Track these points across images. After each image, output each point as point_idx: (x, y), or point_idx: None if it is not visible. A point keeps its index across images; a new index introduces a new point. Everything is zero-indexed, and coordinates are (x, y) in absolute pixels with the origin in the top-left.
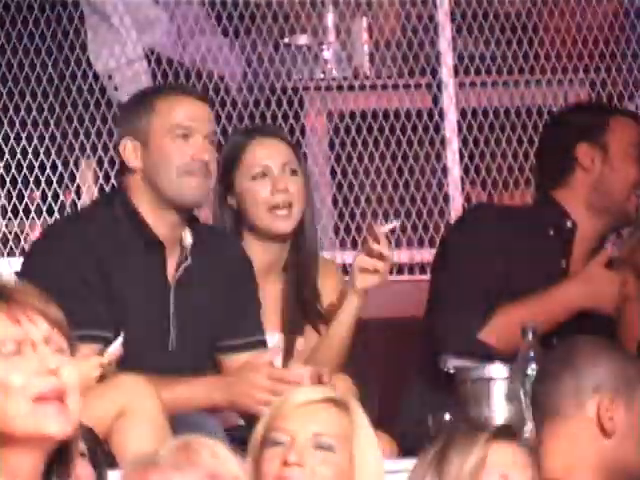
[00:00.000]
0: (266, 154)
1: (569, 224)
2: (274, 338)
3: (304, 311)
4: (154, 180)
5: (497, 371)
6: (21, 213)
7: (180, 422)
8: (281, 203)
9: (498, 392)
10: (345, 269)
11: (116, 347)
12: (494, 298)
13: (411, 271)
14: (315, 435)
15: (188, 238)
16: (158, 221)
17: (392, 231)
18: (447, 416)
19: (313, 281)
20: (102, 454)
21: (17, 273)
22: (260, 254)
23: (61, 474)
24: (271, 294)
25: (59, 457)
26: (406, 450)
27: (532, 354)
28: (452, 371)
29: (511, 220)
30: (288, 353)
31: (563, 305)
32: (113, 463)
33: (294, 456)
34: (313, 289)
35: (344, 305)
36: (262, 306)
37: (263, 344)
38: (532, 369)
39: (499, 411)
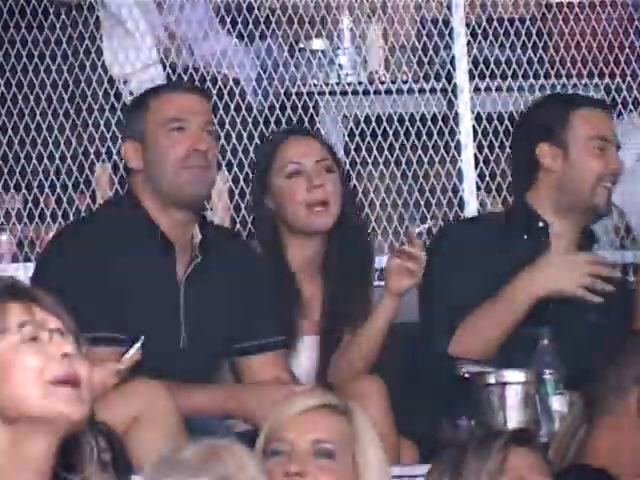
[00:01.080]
0: (300, 152)
1: (540, 224)
2: (312, 340)
3: (344, 311)
4: (154, 178)
5: (512, 376)
6: (37, 218)
7: (191, 426)
8: (317, 200)
9: (513, 397)
10: None
11: (133, 352)
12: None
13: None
14: (314, 442)
15: (197, 236)
16: (166, 220)
17: (420, 235)
18: (463, 421)
19: (354, 280)
20: (125, 461)
21: (31, 277)
22: (299, 253)
23: (71, 469)
24: (310, 294)
25: (69, 454)
26: (422, 455)
27: (547, 358)
28: (467, 376)
29: (483, 234)
30: (327, 355)
31: (518, 299)
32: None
33: (295, 467)
34: (353, 288)
35: (378, 308)
36: (300, 306)
37: (280, 345)
38: (547, 373)
39: (514, 416)
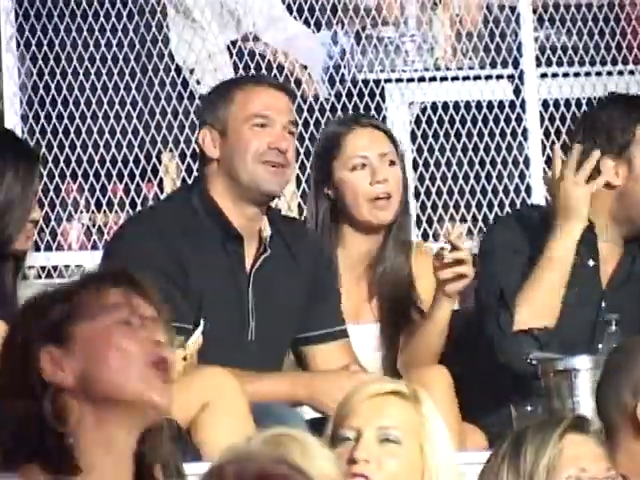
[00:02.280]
0: (365, 145)
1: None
2: (370, 329)
3: (401, 301)
4: (231, 169)
5: (580, 362)
6: (104, 206)
7: (263, 414)
8: (380, 194)
9: (581, 383)
10: None
11: (197, 337)
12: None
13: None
14: (380, 429)
15: (267, 229)
16: (236, 212)
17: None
18: (530, 408)
19: (409, 271)
20: (183, 446)
21: (98, 265)
22: (357, 245)
23: (151, 458)
24: (367, 285)
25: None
26: (490, 442)
27: (615, 345)
28: (535, 362)
29: (533, 228)
30: (388, 344)
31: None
32: (197, 455)
33: (360, 453)
34: (409, 278)
35: (436, 310)
36: (358, 297)
37: (344, 334)
38: (616, 357)
39: (582, 402)
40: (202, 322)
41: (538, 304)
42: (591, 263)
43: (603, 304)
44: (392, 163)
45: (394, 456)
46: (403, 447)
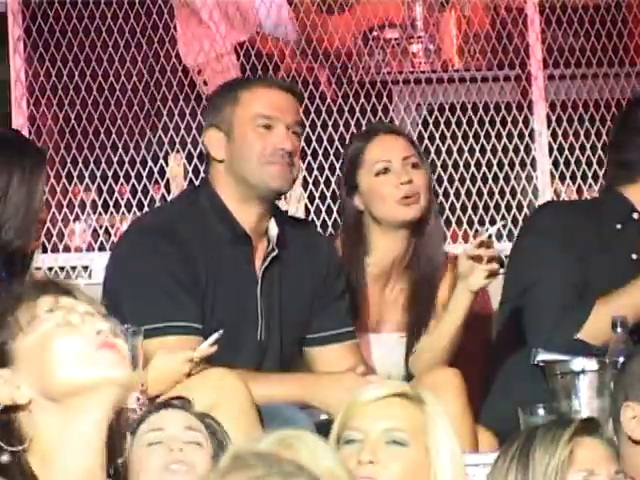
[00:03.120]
0: (386, 150)
1: (635, 216)
2: (392, 338)
3: (428, 309)
4: (237, 170)
5: (587, 364)
6: (111, 208)
7: (271, 415)
8: (407, 194)
9: (588, 385)
10: None
11: (209, 344)
12: (581, 294)
13: (501, 265)
14: (386, 431)
15: (274, 229)
16: (243, 213)
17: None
18: (537, 410)
19: (438, 280)
20: (226, 440)
21: (106, 266)
22: (387, 249)
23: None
24: (394, 292)
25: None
26: (500, 444)
27: (622, 347)
28: (542, 364)
29: (579, 217)
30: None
31: None
32: None
33: (366, 455)
34: (435, 288)
35: (455, 302)
36: (381, 307)
37: (351, 336)
38: (622, 361)
39: (589, 404)
40: (220, 332)
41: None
42: (634, 257)
43: None
44: (415, 166)
45: (400, 458)
46: (409, 448)
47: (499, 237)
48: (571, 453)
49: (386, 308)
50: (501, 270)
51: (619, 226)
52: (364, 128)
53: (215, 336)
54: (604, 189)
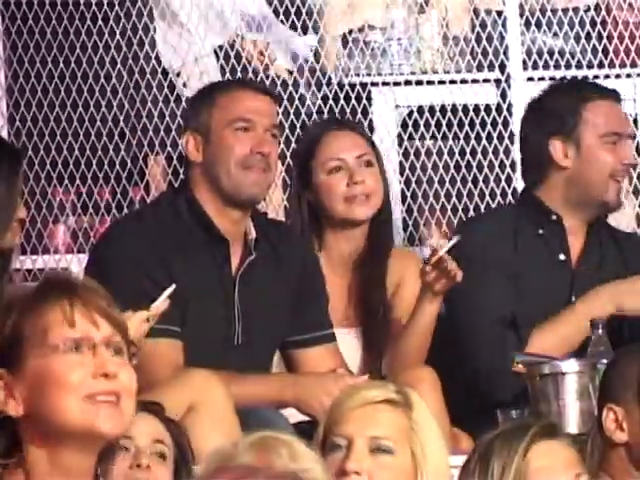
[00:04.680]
0: (341, 147)
1: (553, 217)
2: (352, 333)
3: (382, 305)
4: (214, 174)
5: (567, 366)
6: (91, 209)
7: (249, 416)
8: (358, 195)
9: (567, 387)
10: None
11: (162, 300)
12: (515, 317)
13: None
14: (372, 439)
15: (252, 232)
16: (221, 216)
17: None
18: (515, 411)
19: (384, 276)
20: (189, 451)
21: (85, 267)
22: (337, 249)
23: (106, 474)
24: (350, 289)
25: (105, 457)
26: None
27: (602, 349)
28: (521, 366)
29: (496, 235)
30: (367, 348)
31: (592, 315)
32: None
33: (352, 464)
34: (383, 283)
35: (422, 309)
36: (340, 302)
37: (332, 338)
38: (602, 364)
39: (569, 406)
40: (172, 286)
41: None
42: (562, 257)
43: (573, 298)
44: (369, 164)
45: (386, 467)
46: (395, 456)
47: None
48: (529, 463)
49: (345, 303)
50: (459, 278)
51: (540, 231)
52: (317, 122)
53: (168, 291)
54: (521, 193)
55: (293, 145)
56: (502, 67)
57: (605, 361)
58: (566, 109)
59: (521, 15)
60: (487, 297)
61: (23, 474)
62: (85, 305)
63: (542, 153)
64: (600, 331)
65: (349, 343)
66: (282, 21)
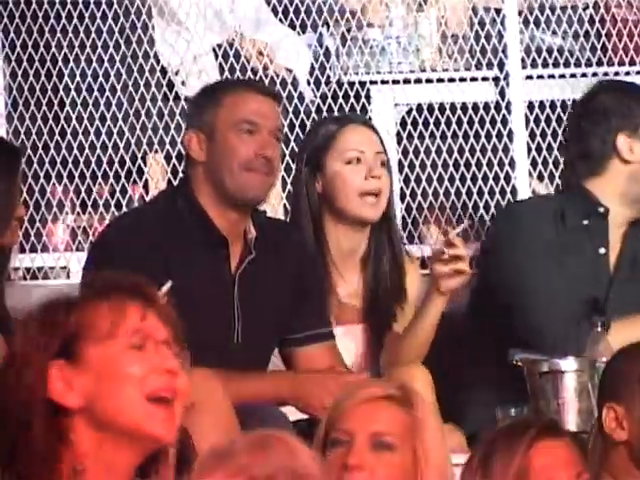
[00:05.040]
0: (361, 141)
1: (601, 210)
2: (352, 330)
3: (386, 303)
4: (217, 174)
5: (566, 364)
6: (90, 208)
7: (248, 415)
8: (373, 190)
9: (567, 385)
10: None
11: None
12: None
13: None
14: (374, 435)
15: (252, 232)
16: (221, 216)
17: (463, 231)
18: (515, 409)
19: (396, 274)
20: (190, 451)
21: (83, 267)
22: (341, 241)
23: (151, 476)
24: (350, 284)
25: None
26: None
27: (601, 347)
28: (520, 364)
29: (542, 219)
30: (371, 345)
31: None
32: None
33: (353, 459)
34: (395, 283)
35: (427, 308)
36: (341, 296)
37: (330, 336)
38: (601, 362)
39: (568, 404)
40: (169, 282)
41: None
42: (602, 251)
43: (611, 294)
44: (383, 164)
45: (388, 463)
46: (397, 452)
47: (473, 237)
48: (530, 462)
49: (346, 301)
50: (470, 271)
51: (585, 222)
52: (334, 116)
53: (165, 288)
54: (567, 185)
55: (292, 144)
56: (501, 65)
57: (604, 359)
58: (634, 106)
59: (520, 13)
60: (538, 272)
61: (69, 466)
62: (149, 306)
63: (606, 147)
64: (599, 329)
65: (350, 341)
66: (281, 20)
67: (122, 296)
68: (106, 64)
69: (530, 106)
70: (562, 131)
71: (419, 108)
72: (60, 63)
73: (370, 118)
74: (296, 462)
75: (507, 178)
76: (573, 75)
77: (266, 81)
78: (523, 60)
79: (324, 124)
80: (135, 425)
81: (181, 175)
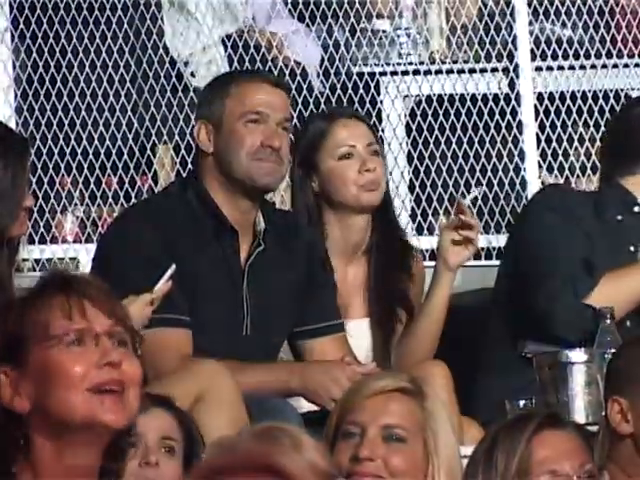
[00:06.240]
0: (351, 135)
1: (637, 209)
2: (360, 324)
3: (392, 295)
4: (225, 164)
5: (575, 356)
6: (99, 199)
7: (257, 407)
8: (369, 182)
9: (576, 377)
10: (422, 254)
11: (164, 281)
12: (587, 268)
13: (488, 256)
14: (386, 427)
15: (261, 223)
16: (230, 206)
17: (474, 202)
18: (523, 401)
19: (401, 264)
20: (199, 444)
21: (92, 258)
22: (343, 234)
23: (113, 473)
24: (355, 278)
25: (114, 456)
26: None
27: (609, 338)
28: (530, 356)
29: (581, 205)
30: (377, 339)
31: None
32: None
33: (364, 451)
34: (401, 270)
35: (436, 287)
36: (347, 290)
37: (340, 328)
38: (609, 353)
39: (577, 396)
40: (172, 267)
41: (620, 294)
42: (632, 249)
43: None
44: (376, 153)
45: (399, 455)
46: (408, 445)
47: (488, 230)
48: (532, 453)
49: (353, 294)
50: (478, 244)
51: (619, 217)
52: (321, 112)
53: (169, 272)
54: (604, 180)
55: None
56: (510, 57)
57: (613, 351)
58: None
59: (529, 4)
60: (563, 243)
61: (30, 471)
62: (82, 299)
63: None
64: (608, 320)
65: (359, 335)
66: (290, 11)
67: (54, 294)
68: (115, 55)
69: (540, 97)
70: (571, 123)
71: (428, 99)
72: (69, 54)
73: (379, 110)
74: (302, 454)
75: (517, 169)
76: (583, 67)
77: (275, 72)
78: (533, 52)
79: (312, 122)
80: (82, 418)
81: (190, 166)
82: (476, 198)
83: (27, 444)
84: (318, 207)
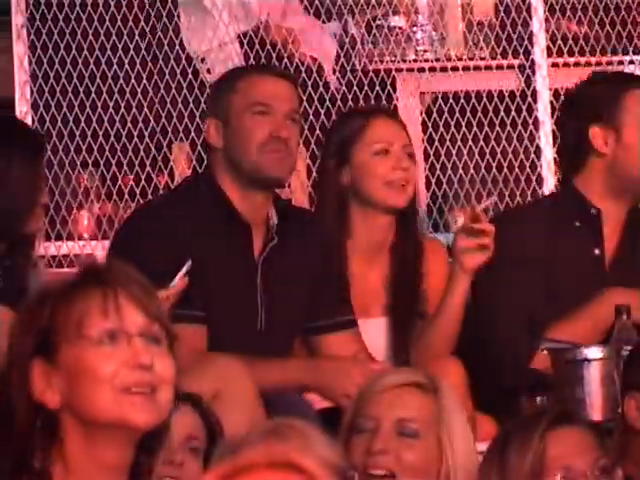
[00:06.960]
0: (390, 132)
1: (593, 211)
2: (379, 323)
3: (412, 295)
4: (235, 158)
5: (591, 352)
6: (115, 196)
7: (274, 403)
8: (398, 180)
9: (592, 374)
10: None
11: (180, 277)
12: (538, 311)
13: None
14: (400, 421)
15: (274, 218)
16: (243, 201)
17: (486, 210)
18: (540, 398)
19: (420, 264)
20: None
21: (107, 255)
22: (368, 233)
23: (145, 471)
24: (376, 277)
25: (146, 454)
26: None
27: (626, 335)
28: (546, 352)
29: (536, 221)
30: (397, 336)
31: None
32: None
33: (378, 444)
34: (419, 272)
35: (452, 287)
36: (367, 289)
37: (353, 323)
38: (626, 350)
39: (593, 392)
40: (188, 263)
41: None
42: (597, 252)
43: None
44: (411, 156)
45: (412, 449)
46: (421, 440)
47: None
48: (545, 451)
49: (373, 293)
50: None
51: (578, 223)
52: (362, 106)
53: (184, 268)
54: (559, 184)
55: (317, 132)
56: (527, 53)
57: (629, 347)
58: (607, 97)
59: (545, 1)
60: (514, 295)
61: (63, 467)
62: (119, 295)
63: (581, 140)
64: (624, 317)
65: (378, 334)
66: (306, 8)
67: (90, 288)
68: (132, 52)
69: (556, 94)
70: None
71: (445, 96)
72: (85, 51)
73: (395, 107)
74: (313, 449)
75: (533, 166)
76: (599, 63)
77: (291, 69)
78: (549, 48)
79: (351, 116)
80: (112, 417)
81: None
82: (489, 207)
83: (58, 440)
84: (345, 201)
